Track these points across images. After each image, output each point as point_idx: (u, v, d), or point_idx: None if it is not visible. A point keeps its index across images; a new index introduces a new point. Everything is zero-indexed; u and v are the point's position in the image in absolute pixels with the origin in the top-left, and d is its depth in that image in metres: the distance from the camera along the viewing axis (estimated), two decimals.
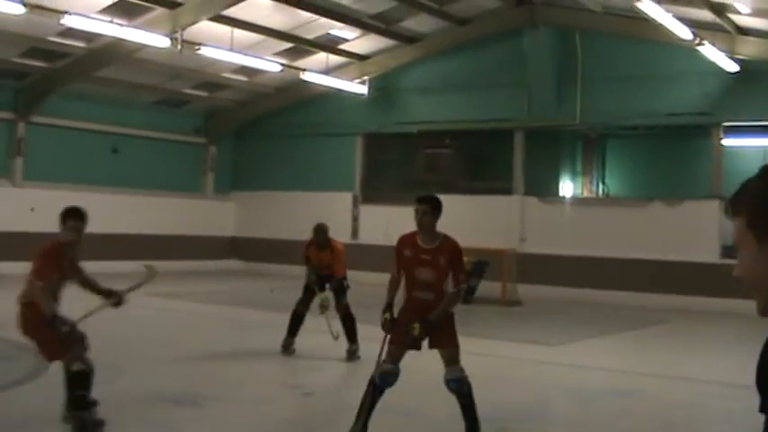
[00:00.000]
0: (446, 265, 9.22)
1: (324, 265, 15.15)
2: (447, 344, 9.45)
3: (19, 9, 20.81)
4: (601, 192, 30.00)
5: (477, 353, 15.66)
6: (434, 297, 9.28)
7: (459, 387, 9.46)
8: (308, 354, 14.76)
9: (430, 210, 9.23)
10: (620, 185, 29.82)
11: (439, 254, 9.25)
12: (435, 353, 9.40)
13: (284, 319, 14.99)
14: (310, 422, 10.64)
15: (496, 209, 28.10)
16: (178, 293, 22.63)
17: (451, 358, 9.45)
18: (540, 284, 25.98)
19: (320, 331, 15.07)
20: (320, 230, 15.56)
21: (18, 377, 11.74)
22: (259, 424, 10.00)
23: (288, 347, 14.63)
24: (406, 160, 31.39)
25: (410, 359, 14.28)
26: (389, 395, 11.67)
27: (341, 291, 15.09)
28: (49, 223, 26.92)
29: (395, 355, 9.58)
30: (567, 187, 29.32)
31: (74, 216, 9.01)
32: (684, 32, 21.53)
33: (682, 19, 21.21)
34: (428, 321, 9.14)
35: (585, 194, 29.69)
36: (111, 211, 21.43)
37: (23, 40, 25.02)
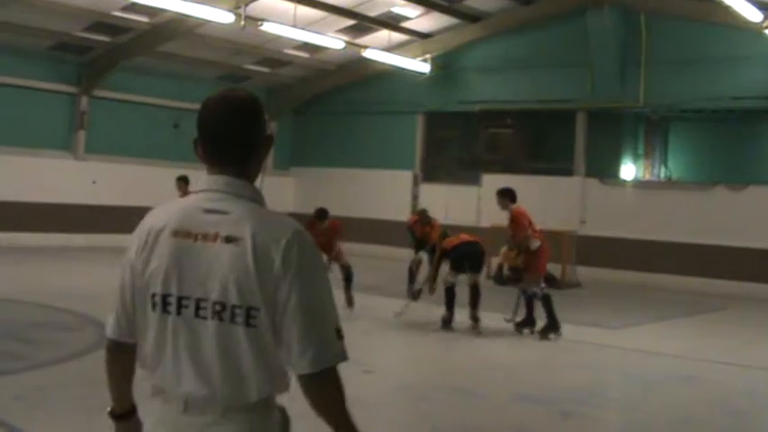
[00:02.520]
0: None
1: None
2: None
3: None
4: (662, 175, 29.64)
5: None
6: None
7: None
8: (370, 330, 14.74)
9: None
10: (683, 169, 29.41)
11: None
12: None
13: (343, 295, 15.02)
14: (369, 401, 10.60)
15: (557, 190, 27.88)
16: None
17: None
18: (599, 267, 25.79)
19: (381, 308, 15.07)
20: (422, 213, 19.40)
21: (83, 347, 11.84)
22: None
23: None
24: (467, 139, 31.24)
25: (466, 342, 14.24)
26: (447, 376, 11.65)
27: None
28: (109, 196, 27.39)
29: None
30: (628, 170, 28.96)
31: None
32: (753, 14, 21.16)
33: (750, 0, 20.86)
34: None
35: (647, 178, 29.33)
36: (172, 186, 21.44)
37: (88, 14, 25.16)
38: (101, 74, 28.30)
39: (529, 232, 15.36)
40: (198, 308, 2.91)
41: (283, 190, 33.72)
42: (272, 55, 30.12)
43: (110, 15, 25.38)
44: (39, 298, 15.71)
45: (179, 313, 2.93)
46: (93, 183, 27.34)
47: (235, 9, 23.69)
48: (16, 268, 21.07)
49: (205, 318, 2.90)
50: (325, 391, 2.94)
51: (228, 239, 2.90)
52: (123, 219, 26.97)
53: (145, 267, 2.98)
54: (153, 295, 2.97)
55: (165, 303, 2.95)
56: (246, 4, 23.85)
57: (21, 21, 24.81)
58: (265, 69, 31.69)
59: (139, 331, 3.06)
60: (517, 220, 15.31)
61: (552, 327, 15.12)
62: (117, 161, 28.30)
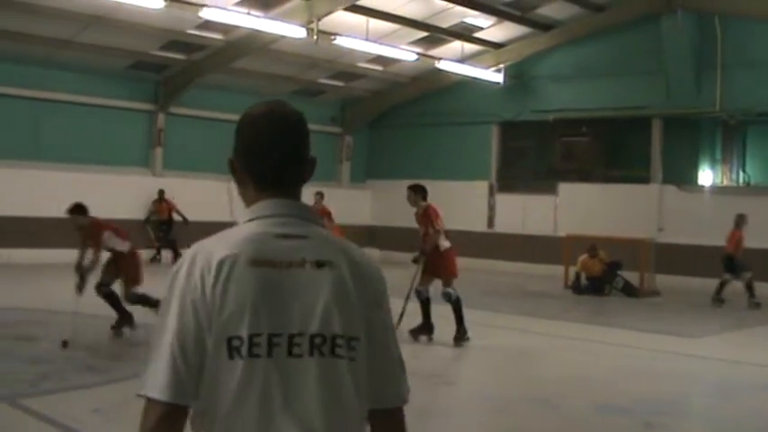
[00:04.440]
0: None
1: None
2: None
3: (159, 3, 21.23)
4: (741, 180, 29.23)
5: (617, 344, 15.52)
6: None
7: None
8: (446, 341, 14.72)
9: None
10: (761, 173, 28.99)
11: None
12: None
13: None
14: (450, 412, 10.60)
15: (634, 198, 27.66)
16: None
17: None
18: (678, 275, 25.50)
19: (472, 322, 15.00)
20: None
21: None
22: None
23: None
24: (542, 149, 31.07)
25: (544, 352, 14.15)
26: (527, 387, 11.59)
27: None
28: (187, 211, 27.66)
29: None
30: (706, 176, 28.62)
31: None
32: None
33: None
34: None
35: (725, 183, 28.95)
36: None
37: (164, 33, 25.55)
38: (177, 91, 28.68)
39: (442, 231, 15.23)
40: (291, 344, 2.52)
41: (360, 203, 33.83)
42: (346, 69, 30.27)
43: (185, 33, 25.72)
44: (111, 311, 15.91)
45: (270, 355, 2.50)
46: (172, 199, 27.66)
47: (308, 24, 23.85)
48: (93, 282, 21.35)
49: (301, 355, 2.52)
50: (401, 425, 2.75)
51: (320, 264, 2.60)
52: (200, 234, 27.40)
53: (221, 306, 2.49)
54: (232, 339, 2.49)
55: (251, 345, 2.49)
56: (319, 19, 24.00)
57: (101, 42, 25.26)
58: (339, 83, 31.87)
59: (205, 387, 2.52)
60: (431, 216, 15.12)
61: (461, 333, 14.71)
62: (193, 177, 28.60)
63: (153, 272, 24.00)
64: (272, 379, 2.49)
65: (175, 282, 2.56)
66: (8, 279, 21.02)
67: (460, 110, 31.57)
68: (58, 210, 25.13)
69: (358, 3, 23.94)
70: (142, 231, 26.48)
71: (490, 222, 31.09)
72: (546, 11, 27.36)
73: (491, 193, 31.43)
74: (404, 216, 27.83)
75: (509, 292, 23.40)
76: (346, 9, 24.20)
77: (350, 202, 32.81)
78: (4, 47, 24.82)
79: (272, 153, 2.73)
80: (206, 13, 22.73)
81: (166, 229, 27.44)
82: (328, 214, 22.35)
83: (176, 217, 27.48)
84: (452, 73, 29.68)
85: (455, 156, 32.06)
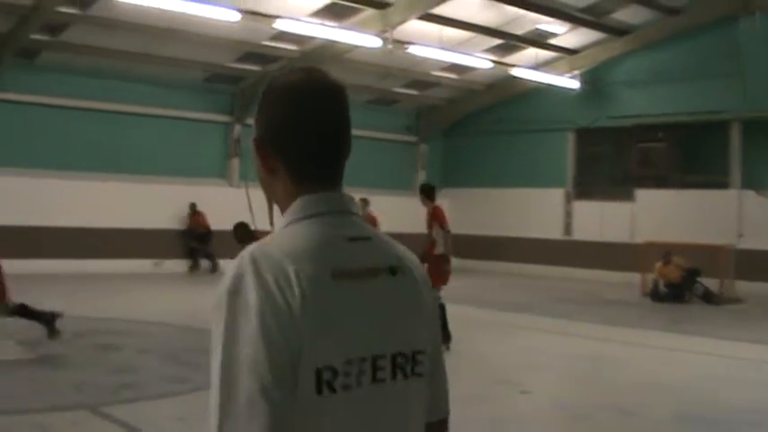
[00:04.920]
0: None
1: None
2: None
3: (235, 16, 21.43)
4: None
5: (698, 351, 15.31)
6: None
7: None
8: (523, 350, 14.66)
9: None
10: None
11: None
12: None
13: (505, 317, 14.97)
14: (527, 421, 10.54)
15: (712, 203, 27.30)
16: None
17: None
18: (761, 281, 25.12)
19: (537, 329, 14.96)
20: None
21: None
22: (475, 422, 9.94)
23: None
24: (619, 155, 30.76)
25: (621, 360, 14.01)
26: (605, 395, 11.48)
27: None
28: (266, 221, 27.95)
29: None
30: None
31: None
32: None
33: None
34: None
35: None
36: None
37: (239, 45, 25.81)
38: (253, 102, 28.89)
39: (441, 234, 15.35)
40: (375, 368, 2.13)
41: None
42: (420, 77, 30.32)
43: (260, 45, 25.96)
44: (196, 322, 16.10)
45: (359, 384, 2.09)
46: (249, 209, 27.81)
47: (382, 33, 23.93)
48: (173, 292, 21.69)
49: (384, 380, 2.15)
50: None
51: (393, 271, 2.23)
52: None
53: (314, 335, 2.01)
54: (322, 371, 2.01)
55: (342, 375, 2.05)
56: (393, 28, 24.07)
57: (178, 55, 25.68)
58: (414, 92, 31.92)
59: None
60: (439, 216, 15.52)
61: (444, 337, 14.38)
62: None
63: (193, 281, 24.43)
64: (359, 410, 2.10)
65: (240, 299, 2.00)
66: (88, 288, 21.32)
67: (535, 117, 31.46)
68: (141, 221, 25.53)
69: (431, 11, 23.97)
70: (179, 243, 26.97)
71: (567, 230, 30.91)
72: (620, 15, 27.16)
73: (568, 201, 31.25)
74: (481, 224, 27.76)
75: (585, 300, 23.24)
76: (420, 18, 24.25)
77: (425, 211, 32.72)
78: (83, 61, 25.28)
79: (322, 131, 2.25)
80: (280, 25, 22.93)
81: (204, 242, 27.34)
82: (374, 221, 22.36)
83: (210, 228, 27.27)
84: (527, 80, 29.60)
85: (530, 163, 31.96)
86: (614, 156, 31.04)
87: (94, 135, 26.33)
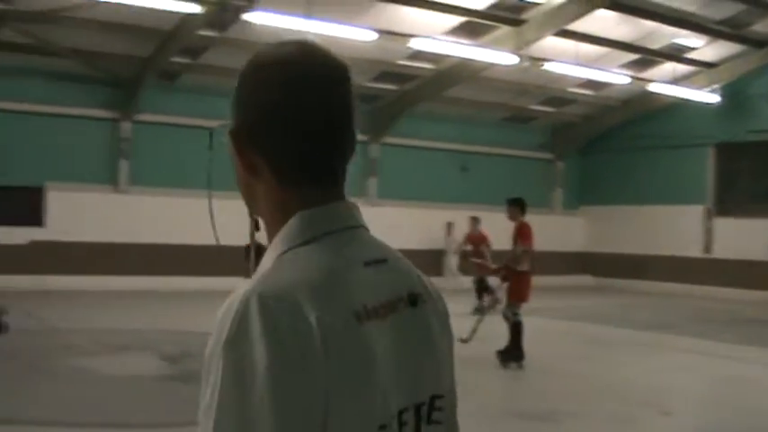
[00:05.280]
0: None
1: None
2: None
3: (371, 36, 21.65)
4: None
5: None
6: None
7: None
8: (664, 370, 14.42)
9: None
10: None
11: None
12: None
13: (644, 337, 14.73)
14: None
15: None
16: (529, 308, 22.66)
17: None
18: None
19: (678, 349, 14.69)
20: None
21: None
22: None
23: None
24: (761, 170, 30.04)
25: (762, 382, 13.62)
26: (748, 416, 11.21)
27: None
28: (404, 239, 28.02)
29: None
30: None
31: None
32: None
33: None
34: None
35: None
36: (462, 228, 22.20)
37: (376, 65, 26.05)
38: (389, 121, 29.14)
39: (527, 251, 14.82)
40: (401, 424, 1.73)
41: (572, 229, 33.45)
42: (556, 94, 30.14)
43: (396, 64, 26.16)
44: None
45: None
46: (388, 228, 27.96)
47: (517, 51, 23.87)
48: None
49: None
50: None
51: (412, 301, 1.83)
52: (413, 261, 27.67)
53: (343, 401, 1.58)
54: None
55: None
56: (528, 45, 24.00)
57: None
58: (550, 109, 31.75)
59: None
60: (526, 233, 14.77)
61: (512, 355, 14.37)
62: (407, 205, 28.94)
63: None
64: None
65: (244, 354, 1.54)
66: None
67: (674, 132, 30.92)
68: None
69: (567, 27, 23.82)
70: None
71: (707, 247, 30.30)
72: (761, 27, 26.55)
73: (708, 218, 30.63)
74: (618, 242, 27.33)
75: (726, 320, 22.73)
76: (555, 34, 24.11)
77: (562, 229, 32.53)
78: (221, 83, 25.66)
79: (325, 122, 1.76)
80: (416, 44, 23.10)
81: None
82: (484, 240, 22.28)
83: None
84: (664, 95, 29.15)
85: (669, 180, 31.44)
86: (756, 171, 30.31)
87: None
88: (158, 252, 25.39)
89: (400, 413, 1.72)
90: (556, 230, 31.74)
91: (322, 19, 20.50)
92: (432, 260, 27.09)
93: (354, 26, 21.32)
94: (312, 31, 21.07)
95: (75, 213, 24.58)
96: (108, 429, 9.59)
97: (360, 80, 27.10)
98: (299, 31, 21.33)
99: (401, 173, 29.74)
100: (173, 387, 12.00)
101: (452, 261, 26.31)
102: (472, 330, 14.35)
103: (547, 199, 33.69)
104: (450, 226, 26.56)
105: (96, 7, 20.78)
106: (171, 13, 21.06)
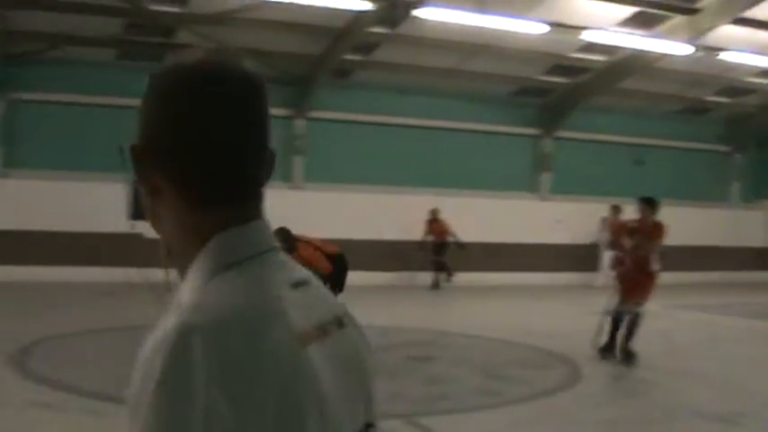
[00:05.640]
0: None
1: None
2: None
3: (543, 29, 21.53)
4: None
5: None
6: None
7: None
8: None
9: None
10: None
11: None
12: None
13: None
14: None
15: None
16: (707, 305, 22.25)
17: None
18: None
19: None
20: None
21: (553, 385, 12.10)
22: None
23: None
24: None
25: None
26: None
27: None
28: (573, 235, 27.76)
29: None
30: None
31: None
32: None
33: None
34: None
35: None
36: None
37: (547, 58, 25.88)
38: (561, 115, 28.91)
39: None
40: None
41: (750, 224, 32.39)
42: (733, 84, 29.34)
43: (567, 57, 25.91)
44: (503, 334, 16.26)
45: None
46: (558, 222, 27.78)
47: (692, 40, 23.36)
48: (480, 305, 22.11)
49: None
50: None
51: (340, 322, 1.73)
52: (585, 257, 27.51)
53: (313, 425, 1.48)
54: None
55: None
56: (703, 35, 23.46)
57: (486, 69, 26.07)
58: (726, 99, 30.92)
59: None
60: (663, 233, 14.23)
61: (625, 354, 13.84)
62: (580, 200, 28.64)
63: (432, 301, 24.36)
64: None
65: (178, 393, 1.38)
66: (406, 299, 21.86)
67: None
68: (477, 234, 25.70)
69: (743, 15, 23.19)
70: (420, 254, 26.00)
71: None
72: None
73: None
74: None
75: None
76: (731, 22, 23.50)
77: (739, 224, 31.66)
78: (393, 79, 26.07)
79: (240, 135, 1.63)
80: (588, 36, 22.85)
81: (439, 252, 26.07)
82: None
83: (451, 239, 25.94)
84: None
85: None
86: None
87: (406, 151, 27.15)
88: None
89: None
90: (733, 225, 30.96)
91: (494, 13, 20.47)
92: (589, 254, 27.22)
93: (526, 19, 21.23)
94: (482, 25, 21.14)
95: None
96: None
97: (531, 73, 27.02)
98: (468, 26, 21.43)
99: (574, 167, 29.39)
100: None
101: (605, 256, 25.89)
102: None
103: (723, 193, 32.84)
104: (604, 221, 26.14)
105: (269, 7, 21.24)
106: (343, 11, 21.36)
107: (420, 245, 25.83)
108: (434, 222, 26.12)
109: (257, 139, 1.66)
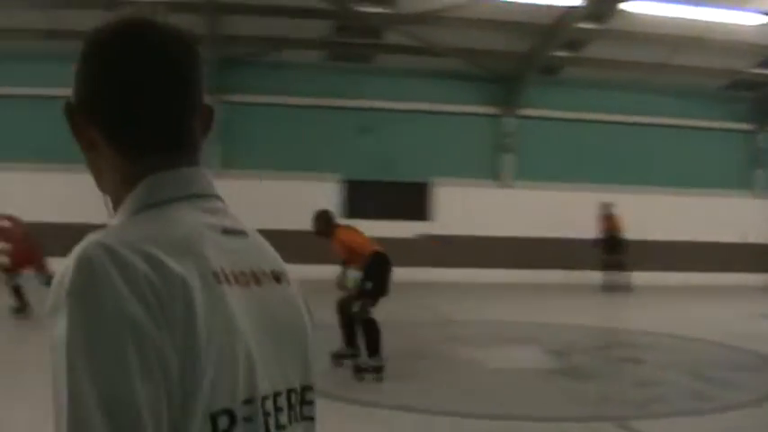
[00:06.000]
0: None
1: None
2: None
3: (758, 19, 20.93)
4: None
5: None
6: None
7: None
8: None
9: None
10: None
11: None
12: None
13: None
14: None
15: None
16: None
17: None
18: None
19: None
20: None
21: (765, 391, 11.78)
22: None
23: None
24: None
25: None
26: None
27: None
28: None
29: None
30: None
31: None
32: None
33: None
34: None
35: None
36: None
37: (759, 49, 25.09)
38: None
39: None
40: (277, 409, 1.64)
41: None
42: None
43: None
44: (704, 335, 15.95)
45: (267, 428, 1.60)
46: (745, 234, 27.05)
47: None
48: (669, 305, 21.72)
49: (284, 427, 1.65)
50: None
51: (277, 277, 1.74)
52: None
53: (198, 359, 1.45)
54: (216, 416, 1.49)
55: (248, 420, 1.55)
56: None
57: (697, 63, 25.60)
58: None
59: None
60: None
61: None
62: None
63: (619, 301, 23.57)
64: None
65: (88, 303, 1.40)
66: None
67: None
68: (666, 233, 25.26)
69: None
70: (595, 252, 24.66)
71: None
72: None
73: None
74: None
75: None
76: None
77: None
78: (602, 75, 25.86)
79: (160, 85, 1.66)
80: None
81: (610, 249, 24.38)
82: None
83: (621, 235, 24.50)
84: None
85: None
86: None
87: (617, 148, 26.93)
88: (539, 246, 25.73)
89: (275, 396, 1.62)
90: None
91: (708, 4, 20.08)
92: None
93: (742, 10, 20.70)
94: (696, 17, 20.73)
95: (461, 207, 25.44)
96: (496, 422, 9.87)
97: (743, 66, 26.27)
98: (679, 19, 21.06)
99: None
100: (556, 381, 12.13)
101: None
102: None
103: None
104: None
105: (476, 6, 21.37)
106: (550, 7, 21.30)
107: (595, 242, 24.44)
108: (608, 218, 24.77)
109: (185, 93, 1.69)
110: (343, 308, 12.02)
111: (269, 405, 1.59)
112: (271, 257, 1.75)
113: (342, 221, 13.04)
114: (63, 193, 21.56)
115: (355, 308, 11.70)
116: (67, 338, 1.36)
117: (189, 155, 1.69)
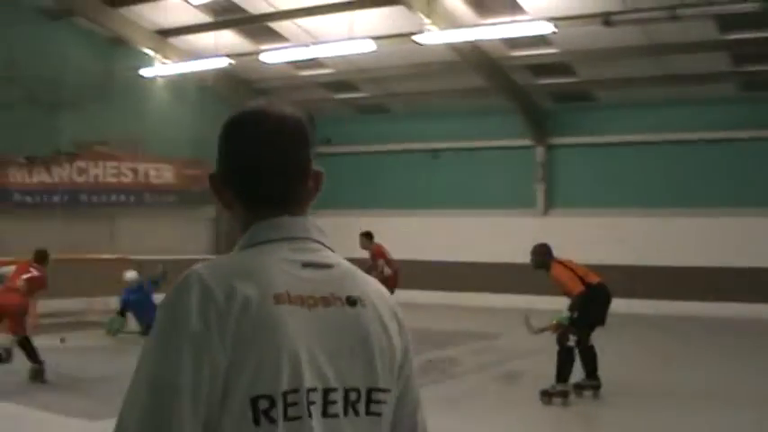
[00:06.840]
0: None
1: None
2: None
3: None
4: None
5: None
6: None
7: None
8: None
9: None
10: None
11: None
12: None
13: None
14: None
15: None
16: None
17: None
18: None
19: None
20: None
21: None
22: None
23: None
24: None
25: None
26: None
27: None
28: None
29: None
30: None
31: None
32: None
33: None
34: None
35: None
36: None
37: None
38: None
39: None
40: (327, 402, 2.06)
41: None
42: None
43: None
44: None
45: (309, 415, 2.01)
46: None
47: None
48: None
49: (336, 415, 2.06)
50: None
51: (351, 301, 2.17)
52: None
53: (245, 359, 1.96)
54: (258, 399, 1.95)
55: (286, 406, 1.97)
56: None
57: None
58: None
59: None
60: None
61: None
62: None
63: None
64: None
65: (178, 312, 2.00)
66: None
67: None
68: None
69: None
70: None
71: None
72: None
73: None
74: None
75: None
76: None
77: None
78: None
79: (271, 166, 2.21)
80: None
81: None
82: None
83: None
84: None
85: None
86: None
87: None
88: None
89: (326, 391, 2.04)
90: None
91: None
92: None
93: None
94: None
95: None
96: None
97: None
98: None
99: None
100: None
101: None
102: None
103: None
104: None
105: None
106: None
107: None
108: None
109: (290, 170, 2.22)
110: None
111: (315, 396, 2.02)
112: (349, 286, 2.19)
113: None
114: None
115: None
116: (150, 334, 2.01)
117: (291, 207, 2.22)
